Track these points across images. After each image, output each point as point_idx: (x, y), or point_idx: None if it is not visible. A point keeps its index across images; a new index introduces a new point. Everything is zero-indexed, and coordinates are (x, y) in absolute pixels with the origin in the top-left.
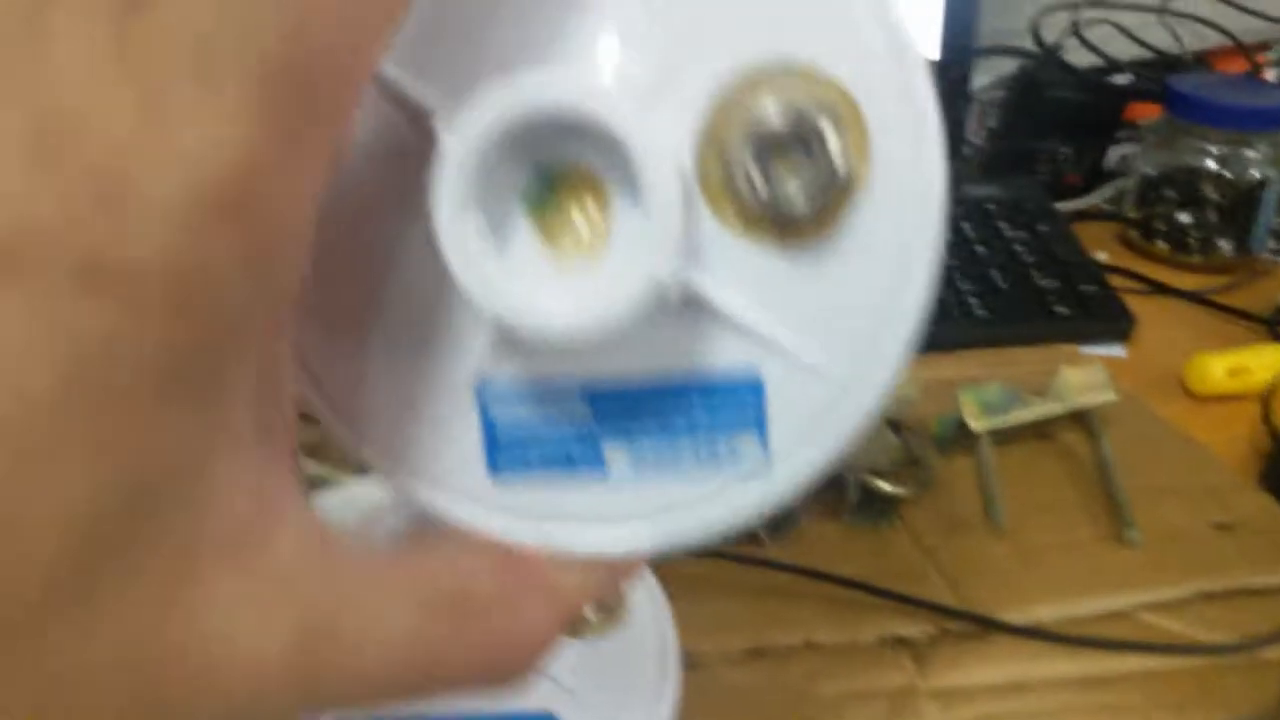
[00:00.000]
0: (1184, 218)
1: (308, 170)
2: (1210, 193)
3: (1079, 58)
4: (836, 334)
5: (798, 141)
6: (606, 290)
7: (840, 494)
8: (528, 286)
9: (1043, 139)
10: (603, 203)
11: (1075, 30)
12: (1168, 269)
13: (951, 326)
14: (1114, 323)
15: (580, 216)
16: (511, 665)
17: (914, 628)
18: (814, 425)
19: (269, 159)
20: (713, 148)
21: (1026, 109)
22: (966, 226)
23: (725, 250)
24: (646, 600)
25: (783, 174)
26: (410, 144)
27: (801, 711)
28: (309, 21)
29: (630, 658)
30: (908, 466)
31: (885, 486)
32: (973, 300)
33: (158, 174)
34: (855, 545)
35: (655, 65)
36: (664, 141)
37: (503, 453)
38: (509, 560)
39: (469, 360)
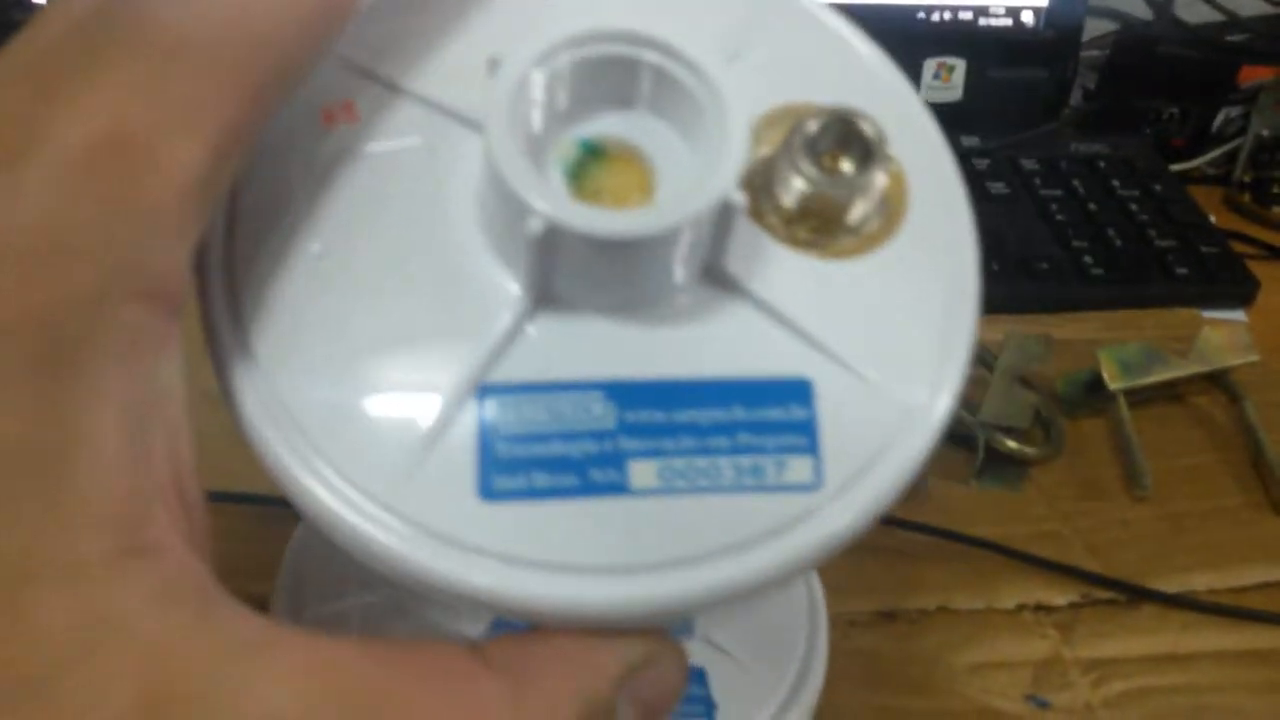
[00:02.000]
0: None
1: (190, 150)
2: None
3: (1191, 14)
4: (885, 353)
5: (845, 146)
6: (669, 204)
7: (967, 455)
8: (582, 206)
9: (1149, 98)
10: (645, 170)
11: None
12: None
13: (1068, 286)
14: (1237, 286)
15: (625, 179)
16: None
17: (1057, 594)
18: (869, 450)
19: (143, 130)
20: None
21: (1132, 67)
22: (1076, 182)
23: (767, 253)
24: None
25: (829, 174)
26: (435, 143)
27: (937, 680)
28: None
29: (783, 620)
30: (1037, 427)
31: (1016, 447)
32: (1088, 259)
33: (36, 142)
34: (986, 509)
35: None
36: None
37: (500, 472)
38: (482, 654)
39: (471, 352)
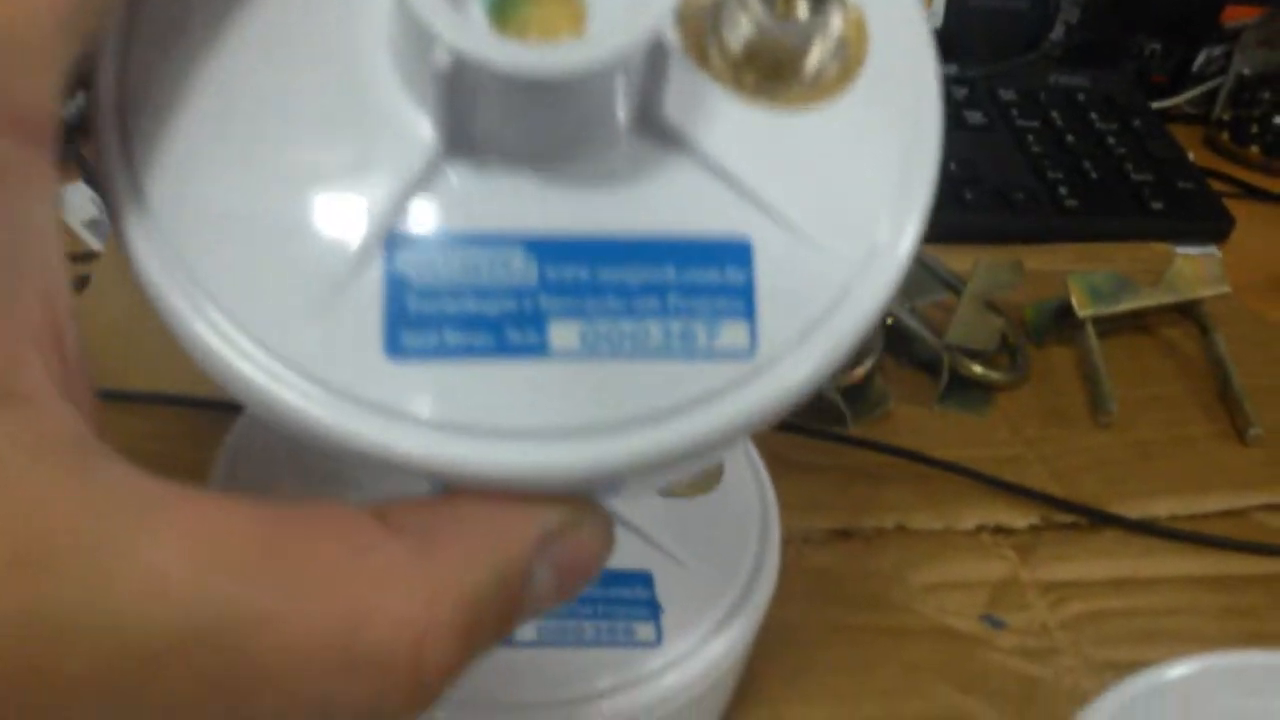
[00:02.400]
0: None
1: None
2: None
3: None
4: (835, 211)
5: None
6: (596, 39)
7: (932, 378)
8: (500, 39)
9: (1131, 34)
10: (576, 6)
11: None
12: (1260, 174)
13: (1043, 217)
14: (1212, 222)
15: (553, 14)
16: (389, 682)
17: (1017, 517)
18: (809, 318)
19: None
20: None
21: (1116, 1)
22: (1054, 114)
23: (711, 101)
24: (747, 467)
25: (781, 16)
26: None
27: (892, 598)
28: None
29: (732, 526)
30: (1003, 353)
31: (981, 371)
32: (1063, 191)
33: None
34: (949, 432)
35: None
36: None
37: (410, 328)
38: (386, 517)
39: (379, 197)
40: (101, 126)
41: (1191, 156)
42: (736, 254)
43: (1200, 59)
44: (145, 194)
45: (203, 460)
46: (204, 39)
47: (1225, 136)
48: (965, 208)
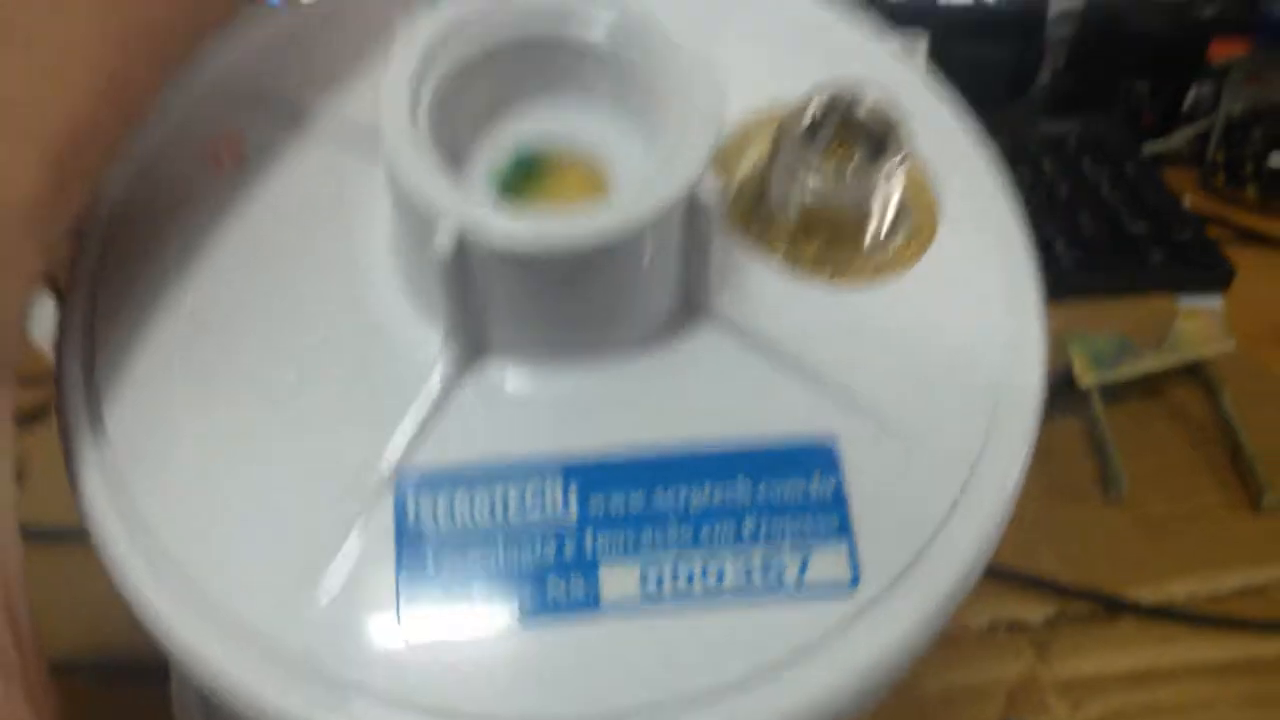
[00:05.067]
0: (1276, 160)
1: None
2: None
3: None
4: (932, 397)
5: (850, 134)
6: (624, 204)
7: None
8: (506, 210)
9: (1118, 75)
10: (595, 176)
11: None
12: (1257, 216)
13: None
14: (1213, 271)
15: (571, 186)
16: None
17: (1032, 610)
18: (921, 533)
19: None
20: (742, 168)
21: (1101, 42)
22: (1045, 162)
23: (767, 280)
24: None
25: (835, 172)
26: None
27: (904, 709)
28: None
29: None
30: None
31: None
32: (1058, 244)
33: None
34: None
35: None
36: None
37: (425, 592)
38: None
39: (383, 428)
40: (66, 363)
41: (1188, 201)
42: (820, 457)
43: (1190, 97)
44: (106, 431)
45: None
46: (180, 256)
47: (1220, 179)
48: None
